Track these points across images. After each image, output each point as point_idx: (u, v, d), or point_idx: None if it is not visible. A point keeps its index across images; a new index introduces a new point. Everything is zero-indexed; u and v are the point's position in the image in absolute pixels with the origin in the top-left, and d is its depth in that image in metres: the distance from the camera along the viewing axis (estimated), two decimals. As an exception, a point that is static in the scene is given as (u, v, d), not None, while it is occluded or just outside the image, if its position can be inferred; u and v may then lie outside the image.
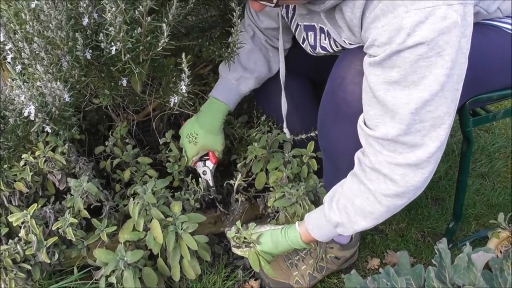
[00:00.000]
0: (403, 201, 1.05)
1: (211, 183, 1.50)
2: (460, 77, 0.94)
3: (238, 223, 1.33)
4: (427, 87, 0.92)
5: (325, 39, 1.16)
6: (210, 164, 1.49)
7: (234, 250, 1.34)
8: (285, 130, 1.42)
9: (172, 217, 1.30)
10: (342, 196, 1.13)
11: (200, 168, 1.50)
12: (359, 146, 1.09)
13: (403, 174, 1.00)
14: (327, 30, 1.12)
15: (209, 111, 1.42)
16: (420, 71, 0.91)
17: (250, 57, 1.40)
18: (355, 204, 1.09)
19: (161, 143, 1.54)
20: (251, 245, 1.30)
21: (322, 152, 1.28)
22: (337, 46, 1.14)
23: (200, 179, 1.49)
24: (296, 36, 1.26)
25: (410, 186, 1.01)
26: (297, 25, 1.22)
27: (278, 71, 1.38)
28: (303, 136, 1.43)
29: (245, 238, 1.31)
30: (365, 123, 1.03)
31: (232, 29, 1.24)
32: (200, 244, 1.31)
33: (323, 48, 1.19)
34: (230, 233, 1.33)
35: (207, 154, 1.49)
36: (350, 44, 1.09)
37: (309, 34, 1.20)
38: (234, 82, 1.40)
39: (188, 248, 1.28)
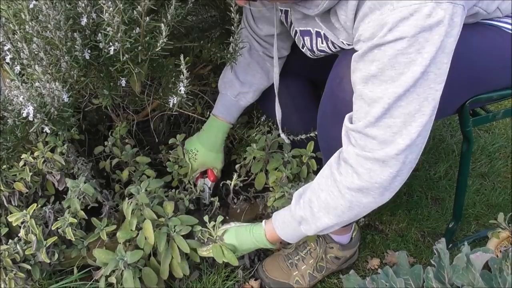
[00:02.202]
0: (367, 198, 1.03)
1: (207, 202, 1.50)
2: (439, 77, 0.93)
3: (206, 217, 1.32)
4: (403, 83, 0.91)
5: (322, 43, 1.16)
6: (208, 182, 1.50)
7: (199, 250, 1.33)
8: (282, 135, 1.42)
9: (165, 217, 1.30)
10: (309, 190, 1.13)
11: (199, 184, 1.51)
12: None
13: (369, 168, 0.99)
14: (324, 34, 1.12)
15: (210, 129, 1.45)
16: (399, 67, 0.90)
17: (248, 71, 1.41)
18: (320, 198, 1.09)
19: (169, 142, 1.53)
20: (216, 241, 1.30)
21: (321, 152, 1.28)
22: (335, 48, 1.14)
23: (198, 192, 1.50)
24: (296, 41, 1.27)
25: (374, 182, 0.99)
26: (296, 31, 1.22)
27: None
28: (303, 137, 1.43)
29: (210, 234, 1.30)
30: (351, 119, 1.03)
31: (232, 27, 1.23)
32: (191, 247, 1.30)
33: (321, 51, 1.19)
34: (196, 226, 1.32)
35: (206, 171, 1.51)
36: (349, 45, 1.09)
37: (305, 39, 1.20)
38: (233, 99, 1.41)
39: (179, 249, 1.29)
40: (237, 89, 1.40)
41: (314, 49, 1.20)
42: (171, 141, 1.52)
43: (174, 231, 1.28)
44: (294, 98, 1.50)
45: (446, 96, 0.97)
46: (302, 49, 1.26)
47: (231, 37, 1.27)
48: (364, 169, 0.99)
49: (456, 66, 0.95)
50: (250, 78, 1.41)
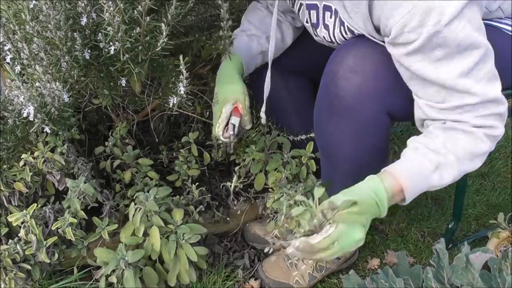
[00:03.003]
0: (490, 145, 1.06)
1: (232, 137, 1.31)
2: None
3: (300, 196, 0.98)
4: (473, 51, 0.96)
5: (330, 17, 1.15)
6: (234, 119, 1.32)
7: (309, 245, 0.93)
8: (262, 114, 1.35)
9: (174, 225, 1.30)
10: (442, 138, 1.04)
11: (228, 131, 1.31)
12: (352, 141, 1.09)
13: (492, 124, 1.03)
14: (335, 9, 1.12)
15: (222, 69, 1.34)
16: (462, 42, 0.95)
17: (263, 21, 1.38)
18: (458, 145, 1.03)
19: (182, 141, 1.52)
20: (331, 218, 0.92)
21: (319, 149, 1.28)
22: (341, 30, 1.14)
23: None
24: (300, 16, 1.25)
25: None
26: (300, 4, 1.21)
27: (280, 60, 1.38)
28: (303, 137, 1.43)
29: (322, 211, 0.93)
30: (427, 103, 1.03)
31: (222, 23, 1.22)
32: (199, 255, 1.30)
33: (326, 26, 1.18)
34: (302, 214, 0.93)
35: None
36: (351, 32, 1.09)
37: (311, 12, 1.19)
38: (245, 38, 1.36)
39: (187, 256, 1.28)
40: (251, 31, 1.36)
41: (320, 23, 1.19)
42: (184, 139, 1.50)
43: (183, 239, 1.27)
44: (294, 97, 1.50)
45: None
46: (305, 25, 1.25)
47: (221, 31, 1.24)
48: (492, 122, 1.02)
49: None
50: (265, 28, 1.37)
